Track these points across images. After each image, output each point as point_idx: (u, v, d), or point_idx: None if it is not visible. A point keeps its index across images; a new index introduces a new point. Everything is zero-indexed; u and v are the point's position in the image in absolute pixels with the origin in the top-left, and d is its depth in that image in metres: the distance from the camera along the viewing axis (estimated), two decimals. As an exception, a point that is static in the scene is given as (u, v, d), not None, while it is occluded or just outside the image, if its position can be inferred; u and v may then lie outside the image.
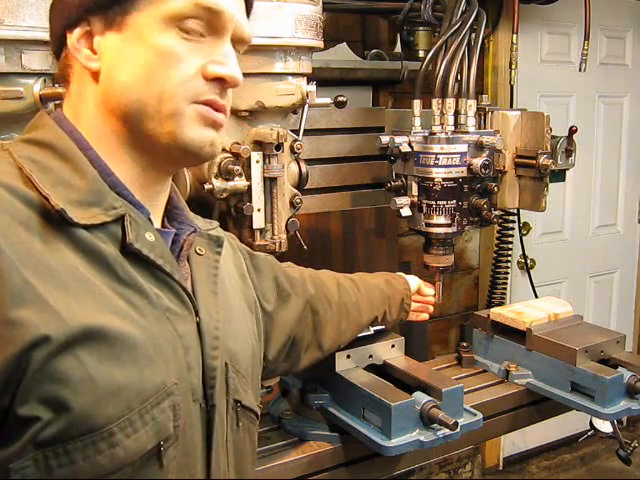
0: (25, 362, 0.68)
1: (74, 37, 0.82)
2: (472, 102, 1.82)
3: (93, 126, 0.83)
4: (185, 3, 0.80)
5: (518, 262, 3.16)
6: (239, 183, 1.44)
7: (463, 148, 1.78)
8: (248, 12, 0.91)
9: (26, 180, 0.77)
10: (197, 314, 0.86)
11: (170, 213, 0.94)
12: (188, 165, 0.88)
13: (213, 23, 0.82)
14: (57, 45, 0.86)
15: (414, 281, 1.63)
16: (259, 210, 1.47)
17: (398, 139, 1.79)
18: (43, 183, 0.76)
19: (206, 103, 0.83)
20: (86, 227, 0.77)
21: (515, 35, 2.21)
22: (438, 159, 1.76)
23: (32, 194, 0.75)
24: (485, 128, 1.92)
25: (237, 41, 0.87)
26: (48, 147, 0.81)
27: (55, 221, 0.75)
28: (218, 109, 0.84)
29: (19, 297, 0.69)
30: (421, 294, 1.64)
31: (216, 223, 1.02)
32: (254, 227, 1.47)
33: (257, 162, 1.45)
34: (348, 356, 1.47)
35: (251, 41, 0.91)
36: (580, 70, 2.21)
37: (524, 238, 2.49)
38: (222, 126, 0.86)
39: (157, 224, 0.89)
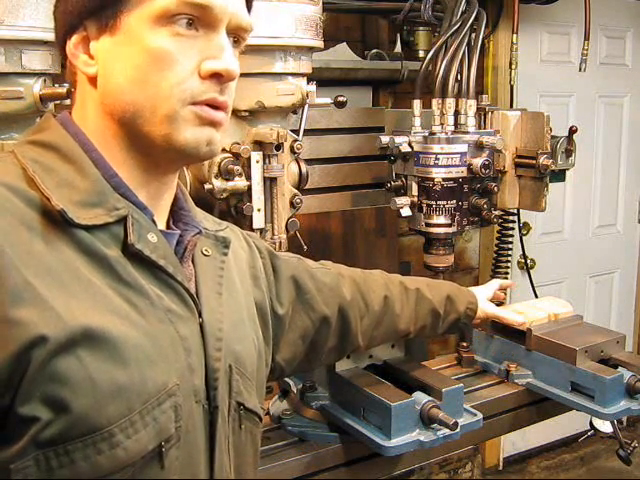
0: (25, 362, 0.68)
1: (72, 44, 0.83)
2: (472, 102, 1.82)
3: (96, 129, 0.84)
4: (171, 0, 0.78)
5: (518, 262, 3.15)
6: (239, 183, 1.44)
7: (463, 148, 1.78)
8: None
9: (29, 181, 0.77)
10: (200, 315, 0.86)
11: (176, 214, 0.93)
12: (189, 164, 0.87)
13: (204, 17, 0.80)
14: (62, 52, 0.86)
15: (488, 291, 1.60)
16: (259, 210, 1.47)
17: (398, 139, 1.79)
18: (46, 184, 0.77)
19: (206, 103, 0.81)
20: (88, 228, 0.77)
21: (515, 35, 2.21)
22: (438, 159, 1.76)
23: (34, 194, 0.76)
24: (485, 128, 1.92)
25: (236, 30, 0.85)
26: (52, 148, 0.81)
27: (57, 222, 0.75)
28: (218, 107, 0.82)
29: (19, 297, 0.69)
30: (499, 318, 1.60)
31: (226, 224, 1.02)
32: (254, 227, 1.47)
33: (257, 162, 1.45)
34: (348, 356, 1.46)
35: (252, 28, 0.87)
36: (580, 70, 2.21)
37: (524, 238, 2.48)
38: (222, 124, 0.84)
39: (162, 225, 0.89)
